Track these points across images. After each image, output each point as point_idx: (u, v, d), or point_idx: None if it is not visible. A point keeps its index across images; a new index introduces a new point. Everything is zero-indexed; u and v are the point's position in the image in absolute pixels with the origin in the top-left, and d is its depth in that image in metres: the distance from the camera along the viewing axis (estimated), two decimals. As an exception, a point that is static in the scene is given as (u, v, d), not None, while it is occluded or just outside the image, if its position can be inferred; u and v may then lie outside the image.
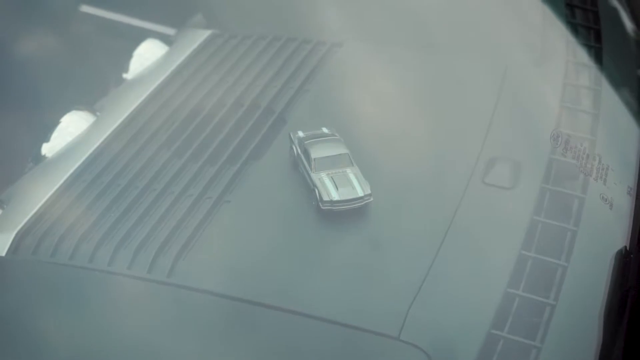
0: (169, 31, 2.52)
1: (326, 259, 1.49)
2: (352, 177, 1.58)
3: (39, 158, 1.82)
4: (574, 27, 2.18)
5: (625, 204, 1.62)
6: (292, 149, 1.67)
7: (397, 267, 1.48)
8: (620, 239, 1.55)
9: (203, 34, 2.15)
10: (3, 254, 1.53)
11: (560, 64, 2.02)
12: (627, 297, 1.45)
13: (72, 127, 1.88)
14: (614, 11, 2.30)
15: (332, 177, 1.57)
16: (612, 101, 1.94)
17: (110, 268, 1.49)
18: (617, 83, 2.03)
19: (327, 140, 1.65)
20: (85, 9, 2.78)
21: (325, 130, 1.69)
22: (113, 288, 1.49)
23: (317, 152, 1.61)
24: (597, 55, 2.06)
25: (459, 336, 1.38)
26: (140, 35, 2.58)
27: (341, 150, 1.62)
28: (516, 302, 1.42)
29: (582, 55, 2.08)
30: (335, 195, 1.54)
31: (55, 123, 1.88)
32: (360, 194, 1.55)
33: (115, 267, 1.49)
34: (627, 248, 1.55)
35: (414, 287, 1.42)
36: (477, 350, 1.34)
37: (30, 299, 1.49)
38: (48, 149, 1.83)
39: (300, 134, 1.68)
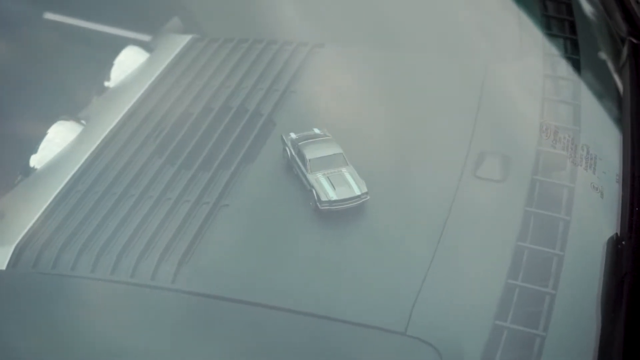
0: (139, 36, 2.51)
1: (328, 258, 1.51)
2: (347, 176, 1.60)
3: (28, 170, 1.81)
4: (549, 20, 2.22)
5: (615, 192, 1.65)
6: (285, 150, 1.68)
7: (399, 264, 1.50)
8: (613, 226, 1.58)
9: (184, 39, 2.15)
10: (3, 268, 1.53)
11: (538, 57, 2.06)
12: (624, 283, 1.48)
13: (59, 138, 1.87)
14: (587, 2, 2.35)
15: (328, 177, 1.59)
16: (592, 91, 1.98)
17: (114, 277, 1.49)
18: (595, 73, 2.08)
19: (321, 140, 1.66)
20: (49, 16, 2.77)
21: (316, 131, 1.71)
22: (117, 297, 1.49)
23: (311, 153, 1.62)
24: (574, 46, 2.10)
25: (465, 329, 1.40)
26: (108, 41, 2.58)
27: (335, 150, 1.63)
28: (516, 293, 1.45)
29: (559, 47, 2.11)
30: (332, 195, 1.56)
31: (42, 134, 1.87)
32: (357, 192, 1.57)
33: (118, 275, 1.49)
34: (619, 234, 1.58)
35: (416, 282, 1.44)
36: (484, 341, 1.37)
37: (33, 311, 1.48)
38: (37, 161, 1.83)
39: (293, 135, 1.69)
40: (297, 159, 1.64)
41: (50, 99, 2.15)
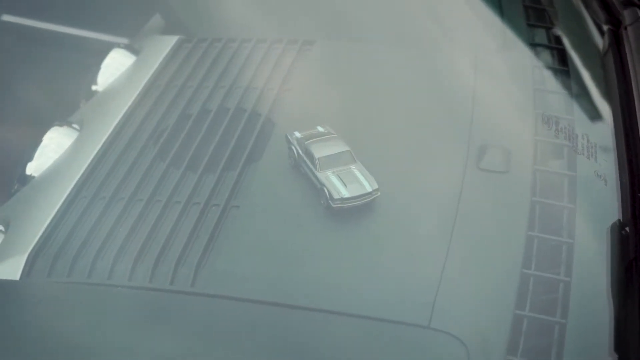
0: (120, 39, 2.49)
1: (345, 255, 1.52)
2: (357, 173, 1.61)
3: (25, 178, 1.79)
4: (528, 11, 2.25)
5: (616, 179, 1.69)
6: (292, 149, 1.68)
7: (415, 258, 1.51)
8: (619, 213, 1.62)
9: (170, 40, 2.14)
10: (17, 278, 1.51)
11: (523, 48, 2.09)
12: (633, 268, 1.51)
13: (54, 144, 1.85)
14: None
15: (338, 175, 1.60)
16: (579, 81, 2.01)
17: (132, 283, 1.48)
18: (579, 62, 2.11)
19: (327, 138, 1.67)
20: (7, 17, 2.73)
21: (320, 129, 1.71)
22: (136, 302, 1.49)
23: (319, 152, 1.63)
24: (557, 37, 2.14)
25: (487, 319, 1.42)
26: (89, 45, 2.55)
27: (343, 147, 1.64)
28: (531, 282, 1.48)
29: (542, 38, 2.15)
30: (345, 193, 1.57)
31: (37, 141, 1.85)
32: (369, 189, 1.58)
33: (136, 281, 1.48)
34: (621, 220, 1.62)
35: (435, 276, 1.46)
36: (507, 331, 1.39)
37: (51, 320, 1.47)
38: (34, 169, 1.81)
39: (297, 134, 1.69)
40: (305, 158, 1.64)
41: (39, 106, 2.12)
